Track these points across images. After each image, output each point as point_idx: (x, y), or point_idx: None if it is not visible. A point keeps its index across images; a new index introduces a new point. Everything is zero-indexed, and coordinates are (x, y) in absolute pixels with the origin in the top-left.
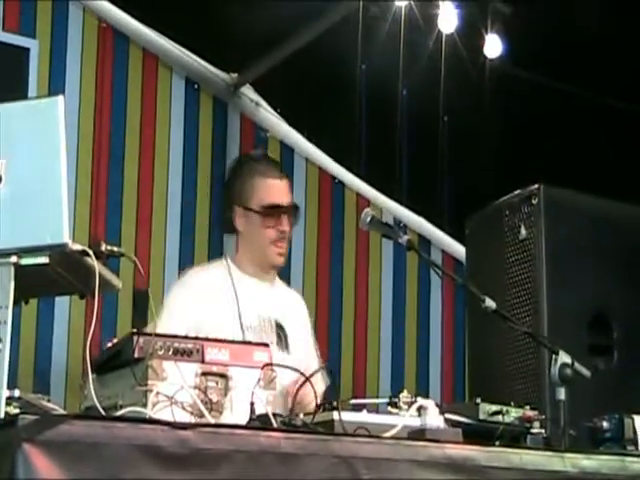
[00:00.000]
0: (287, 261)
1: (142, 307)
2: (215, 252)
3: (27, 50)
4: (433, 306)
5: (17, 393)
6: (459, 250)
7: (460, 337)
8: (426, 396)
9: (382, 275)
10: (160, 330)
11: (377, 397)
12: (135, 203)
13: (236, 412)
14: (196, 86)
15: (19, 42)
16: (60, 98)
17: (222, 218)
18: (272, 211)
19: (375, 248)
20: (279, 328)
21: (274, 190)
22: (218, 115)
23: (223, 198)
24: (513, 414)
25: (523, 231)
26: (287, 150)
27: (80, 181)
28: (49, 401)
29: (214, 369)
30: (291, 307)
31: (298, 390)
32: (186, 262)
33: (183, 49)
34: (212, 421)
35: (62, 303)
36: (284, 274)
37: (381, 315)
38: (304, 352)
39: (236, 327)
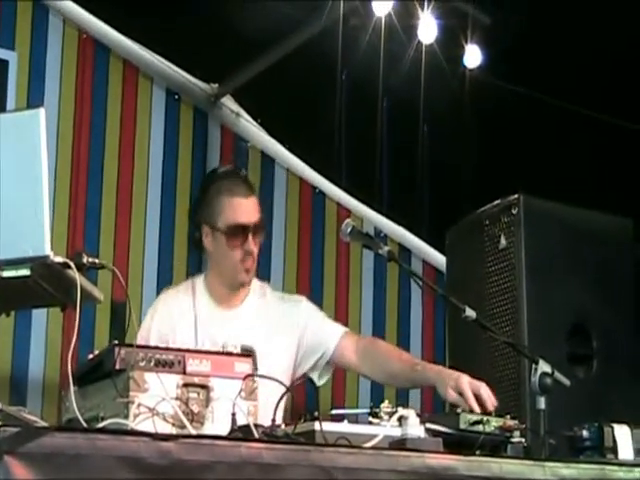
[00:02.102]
0: (267, 270)
1: (120, 320)
2: (194, 264)
3: (6, 62)
4: (413, 316)
5: None
6: (440, 260)
7: (440, 347)
8: (406, 406)
9: (362, 285)
10: None
11: (357, 408)
12: (113, 215)
13: (217, 423)
14: (176, 97)
15: None
16: (41, 110)
17: (190, 237)
18: (237, 231)
19: (356, 258)
20: (246, 351)
21: (240, 209)
22: (198, 125)
23: (189, 216)
24: (493, 424)
25: (503, 241)
26: (268, 160)
27: (58, 193)
28: (29, 413)
29: (195, 380)
30: (270, 322)
31: (279, 402)
32: (165, 274)
33: (163, 60)
34: (193, 432)
35: (39, 315)
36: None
37: (361, 326)
38: (284, 370)
39: None
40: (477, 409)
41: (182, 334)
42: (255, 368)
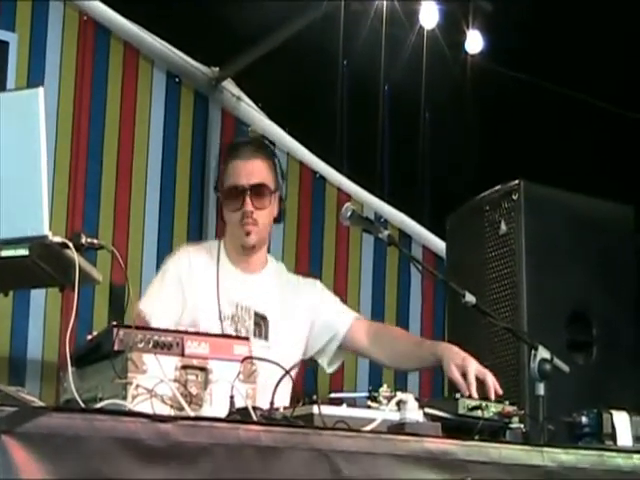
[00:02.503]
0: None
1: (119, 301)
2: None
3: (6, 44)
4: (413, 302)
5: None
6: (440, 246)
7: (439, 332)
8: (405, 390)
9: (362, 271)
10: (150, 298)
11: (355, 392)
12: (113, 196)
13: (216, 405)
14: (177, 80)
15: None
16: (40, 90)
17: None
18: (234, 193)
19: (355, 244)
20: (259, 317)
21: (236, 171)
22: (199, 109)
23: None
24: (492, 409)
25: (503, 227)
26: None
27: (58, 173)
28: (28, 394)
29: (194, 362)
30: (284, 297)
31: (277, 385)
32: (164, 257)
33: (165, 43)
34: (192, 414)
35: (38, 296)
36: None
37: (360, 311)
38: (293, 343)
39: (214, 316)
40: (476, 395)
41: (204, 286)
42: (266, 337)
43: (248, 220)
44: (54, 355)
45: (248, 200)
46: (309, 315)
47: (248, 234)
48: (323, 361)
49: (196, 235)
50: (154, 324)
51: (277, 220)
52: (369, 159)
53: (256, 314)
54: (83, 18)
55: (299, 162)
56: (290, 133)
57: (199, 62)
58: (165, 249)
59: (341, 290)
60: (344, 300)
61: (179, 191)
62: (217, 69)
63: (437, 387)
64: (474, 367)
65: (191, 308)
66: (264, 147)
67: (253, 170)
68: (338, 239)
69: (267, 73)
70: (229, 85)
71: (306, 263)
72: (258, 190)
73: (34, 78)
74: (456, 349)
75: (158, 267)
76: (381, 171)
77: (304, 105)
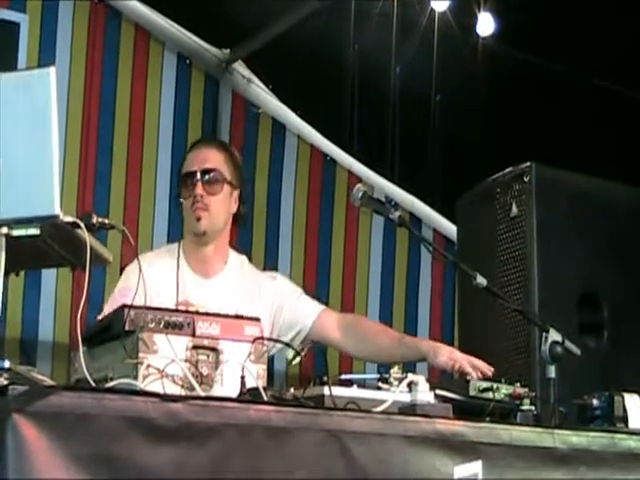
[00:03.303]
0: (275, 237)
1: None
2: None
3: (17, 25)
4: (422, 284)
5: (7, 364)
6: (450, 229)
7: (449, 315)
8: (413, 372)
9: (371, 253)
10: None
11: (364, 373)
12: (124, 178)
13: (226, 386)
14: (188, 62)
15: (9, 17)
16: (52, 69)
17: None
18: (186, 179)
19: (365, 226)
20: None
21: (190, 159)
22: (209, 91)
23: None
24: (503, 391)
25: (514, 209)
26: (279, 127)
27: (69, 156)
28: (39, 373)
29: (205, 343)
30: (245, 295)
31: (288, 365)
32: (174, 238)
33: (175, 25)
34: (202, 394)
35: (49, 276)
36: (272, 251)
37: (369, 293)
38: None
39: None
40: (474, 374)
41: (164, 295)
42: (270, 338)
43: (198, 205)
44: (65, 335)
45: (199, 184)
46: (271, 313)
47: (199, 219)
48: (288, 355)
49: None
50: None
51: (237, 220)
52: (380, 142)
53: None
54: (94, 0)
55: (309, 145)
56: (301, 116)
57: (210, 44)
58: (175, 229)
59: (350, 273)
60: (351, 281)
61: None
62: (228, 51)
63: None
64: (461, 355)
65: None
66: (225, 145)
67: (207, 157)
68: (348, 221)
69: (278, 55)
70: (240, 67)
71: (315, 244)
72: (210, 175)
73: (45, 59)
74: (440, 344)
75: None
76: (392, 154)
77: (315, 87)
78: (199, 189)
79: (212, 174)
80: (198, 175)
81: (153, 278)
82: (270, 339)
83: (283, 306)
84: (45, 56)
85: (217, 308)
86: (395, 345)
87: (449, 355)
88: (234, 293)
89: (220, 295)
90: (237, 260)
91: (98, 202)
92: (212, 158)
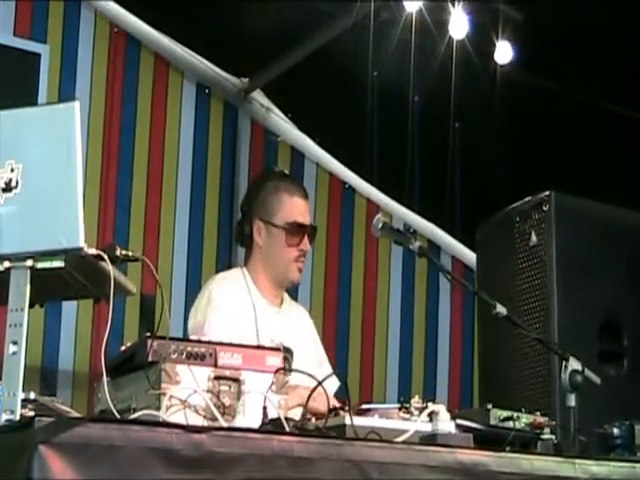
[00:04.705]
0: None
1: (149, 312)
2: (223, 259)
3: (38, 55)
4: (442, 313)
5: (32, 395)
6: (469, 256)
7: (468, 344)
8: (434, 402)
9: (391, 281)
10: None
11: (384, 402)
12: (143, 208)
13: (249, 416)
14: (207, 91)
15: (30, 47)
16: (76, 104)
17: (237, 230)
18: (297, 230)
19: (384, 254)
20: (287, 351)
21: (299, 209)
22: (228, 120)
23: (242, 210)
24: (524, 420)
25: (534, 238)
26: (298, 155)
27: (89, 186)
28: (62, 403)
29: (227, 373)
30: (298, 326)
31: (310, 394)
32: (194, 268)
33: (194, 54)
34: (225, 425)
35: (69, 306)
36: None
37: (389, 321)
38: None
39: None
40: None
41: (243, 320)
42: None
43: (303, 259)
44: (85, 365)
45: (306, 240)
46: (313, 345)
47: (300, 271)
48: None
49: (226, 244)
50: None
51: None
52: (398, 170)
53: (284, 349)
54: (114, 30)
55: (329, 173)
56: (319, 144)
57: (229, 73)
58: (195, 260)
59: (370, 301)
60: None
61: (209, 201)
62: (246, 80)
63: (466, 397)
64: None
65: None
66: (304, 188)
67: (309, 211)
68: (367, 249)
69: (296, 84)
70: (258, 96)
71: (335, 272)
72: (313, 232)
73: (65, 89)
74: None
75: (188, 278)
76: (410, 181)
77: (334, 116)
78: (307, 245)
79: (314, 230)
80: (308, 230)
81: (235, 303)
82: (292, 369)
83: (314, 346)
84: (66, 86)
85: (285, 336)
86: None
87: None
88: (293, 324)
89: (287, 324)
90: (285, 296)
91: (118, 231)
92: (310, 212)
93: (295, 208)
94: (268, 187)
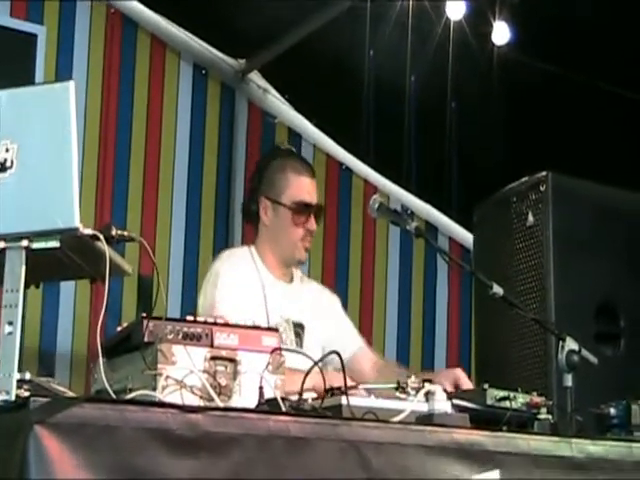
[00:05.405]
0: None
1: (147, 293)
2: (220, 240)
3: (34, 36)
4: (439, 293)
5: (28, 376)
6: (466, 237)
7: (466, 324)
8: (430, 382)
9: (388, 262)
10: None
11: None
12: (141, 189)
13: (245, 396)
14: (204, 72)
15: (27, 28)
16: (71, 83)
17: (244, 208)
18: (304, 209)
19: (382, 235)
20: (297, 326)
21: (306, 188)
22: (226, 101)
23: (248, 188)
24: (520, 400)
25: (530, 218)
26: (295, 137)
27: (86, 167)
28: (58, 384)
29: (223, 353)
30: (312, 303)
31: (307, 375)
32: (191, 249)
33: (191, 35)
34: (221, 405)
35: (67, 287)
36: None
37: (387, 302)
38: (319, 349)
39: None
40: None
41: (252, 297)
42: (301, 345)
43: (309, 238)
44: (83, 346)
45: (312, 219)
46: (329, 325)
47: (307, 250)
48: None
49: (223, 225)
50: None
51: None
52: (395, 151)
53: (295, 324)
54: (110, 10)
55: (326, 154)
56: (316, 125)
57: (226, 54)
58: (193, 240)
59: (368, 283)
60: (369, 291)
61: (206, 182)
62: (243, 61)
63: None
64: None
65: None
66: (312, 166)
67: (315, 190)
68: (365, 230)
69: (293, 65)
70: (255, 77)
71: (333, 255)
72: (321, 210)
73: (62, 70)
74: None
75: (185, 258)
76: (408, 163)
77: (330, 97)
78: (314, 225)
79: (321, 209)
80: (315, 209)
81: (244, 279)
82: (287, 349)
83: (337, 322)
84: (62, 67)
85: (295, 312)
86: None
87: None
88: (305, 299)
89: (296, 300)
90: (297, 272)
91: (116, 212)
92: (316, 191)
93: (302, 187)
94: (275, 165)
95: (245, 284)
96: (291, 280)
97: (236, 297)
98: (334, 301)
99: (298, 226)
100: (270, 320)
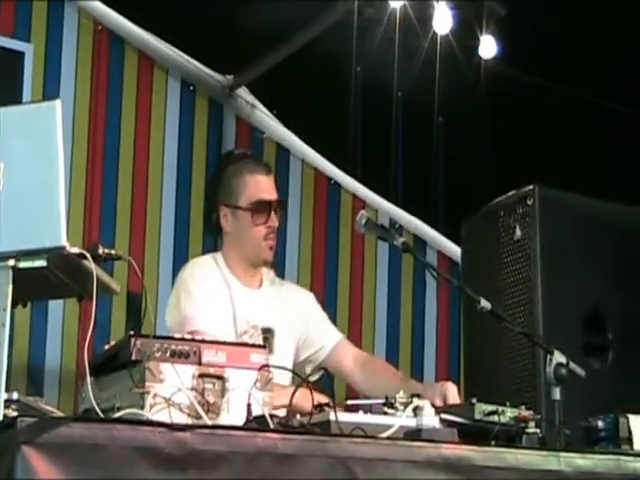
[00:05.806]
0: (281, 261)
1: (136, 310)
2: None
3: (22, 54)
4: (428, 307)
5: (15, 395)
6: (454, 250)
7: (455, 338)
8: (418, 397)
9: (377, 276)
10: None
11: (370, 398)
12: (129, 206)
13: (233, 413)
14: (192, 88)
15: (14, 46)
16: (58, 102)
17: (205, 219)
18: (263, 207)
19: (370, 249)
20: (266, 332)
21: (262, 186)
22: (214, 117)
23: (207, 199)
24: (509, 414)
25: (518, 232)
26: (283, 152)
27: (74, 184)
28: (46, 403)
29: (211, 371)
30: (282, 306)
31: (294, 392)
32: (180, 265)
33: (179, 51)
34: (209, 422)
35: (56, 306)
36: (277, 273)
37: (376, 317)
38: (292, 351)
39: (231, 335)
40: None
41: (220, 312)
42: (271, 350)
43: (272, 235)
44: (72, 364)
45: (273, 215)
46: (302, 325)
47: (271, 249)
48: (307, 368)
49: (211, 241)
50: None
51: None
52: (383, 165)
53: (263, 329)
54: (98, 27)
55: (314, 169)
56: (305, 140)
57: (213, 70)
58: (181, 257)
59: (356, 297)
60: (358, 305)
61: (195, 198)
62: (231, 77)
63: None
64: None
65: (208, 325)
66: (266, 163)
67: (273, 186)
68: (353, 244)
69: (281, 80)
70: (243, 93)
71: (322, 269)
72: (280, 206)
73: (49, 88)
74: (435, 384)
75: (174, 276)
76: (395, 177)
77: (318, 112)
78: (274, 221)
79: (281, 205)
80: (274, 205)
81: (212, 286)
82: (275, 366)
83: (311, 321)
84: (50, 84)
85: (264, 317)
86: (399, 384)
87: (444, 394)
88: (274, 303)
89: (265, 305)
90: (268, 274)
91: (104, 230)
92: (274, 187)
93: (258, 185)
94: (229, 171)
95: (213, 293)
96: (260, 284)
97: (207, 309)
98: (307, 298)
99: (259, 225)
100: (237, 328)
